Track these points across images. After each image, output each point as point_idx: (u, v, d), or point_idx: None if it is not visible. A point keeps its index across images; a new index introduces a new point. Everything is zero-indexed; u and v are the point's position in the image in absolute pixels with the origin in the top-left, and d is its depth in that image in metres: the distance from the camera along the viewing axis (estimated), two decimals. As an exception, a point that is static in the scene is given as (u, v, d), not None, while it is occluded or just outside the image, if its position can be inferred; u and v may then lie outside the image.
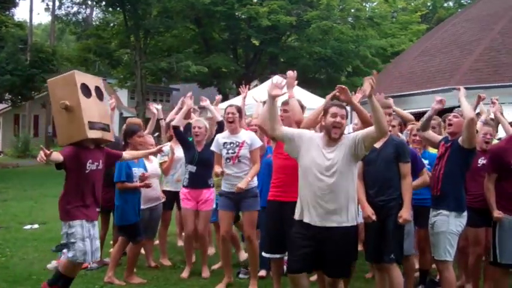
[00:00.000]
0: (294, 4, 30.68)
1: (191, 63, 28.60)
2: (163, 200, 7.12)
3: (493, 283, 5.68)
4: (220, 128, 6.65)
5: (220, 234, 6.28)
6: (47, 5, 38.81)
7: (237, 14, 31.17)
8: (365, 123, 5.04)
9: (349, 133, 5.14)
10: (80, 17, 35.55)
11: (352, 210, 4.57)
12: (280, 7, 29.39)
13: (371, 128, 4.47)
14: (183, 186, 6.75)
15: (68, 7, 34.24)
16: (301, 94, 11.99)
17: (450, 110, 5.77)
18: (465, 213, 5.26)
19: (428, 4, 43.18)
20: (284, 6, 29.71)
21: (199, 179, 6.59)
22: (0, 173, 22.59)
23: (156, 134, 8.00)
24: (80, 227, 5.22)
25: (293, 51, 32.64)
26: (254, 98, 7.23)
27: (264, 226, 5.90)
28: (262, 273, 6.58)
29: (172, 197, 7.42)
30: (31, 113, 37.07)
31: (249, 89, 7.96)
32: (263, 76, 31.18)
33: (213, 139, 6.46)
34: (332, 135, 4.53)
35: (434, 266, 5.93)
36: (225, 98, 29.55)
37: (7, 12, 28.92)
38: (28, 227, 10.08)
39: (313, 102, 10.98)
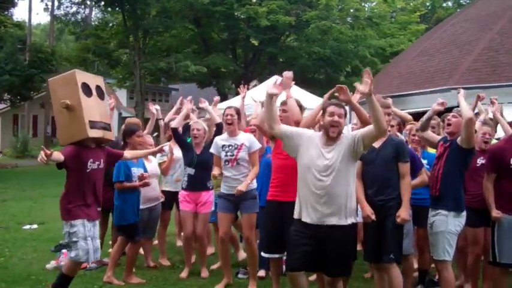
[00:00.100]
0: (293, 4, 30.69)
1: (190, 63, 28.60)
2: (162, 200, 7.12)
3: (492, 283, 5.69)
4: (219, 130, 6.64)
5: (219, 236, 6.27)
6: (46, 5, 38.78)
7: (236, 14, 31.18)
8: (364, 123, 5.04)
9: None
10: (79, 17, 35.60)
11: (352, 209, 4.57)
12: (279, 7, 29.39)
13: (370, 127, 4.48)
14: (182, 188, 6.75)
15: (66, 7, 34.32)
16: (300, 94, 12.02)
17: (449, 110, 5.78)
18: (464, 213, 5.27)
19: (427, 4, 43.19)
20: (283, 6, 29.71)
21: (198, 182, 6.58)
22: (-1, 173, 22.60)
23: (155, 134, 8.01)
24: (82, 226, 5.22)
25: (292, 51, 32.65)
26: (253, 98, 7.23)
27: (263, 226, 5.90)
28: (262, 273, 6.58)
29: (171, 197, 7.41)
30: (30, 113, 37.05)
31: (247, 89, 7.97)
32: (262, 76, 31.20)
33: (211, 141, 6.46)
34: (330, 134, 4.53)
35: (433, 265, 5.93)
36: (224, 98, 29.54)
37: (6, 12, 28.91)
38: (27, 227, 10.07)
39: (312, 102, 10.96)
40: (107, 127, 5.47)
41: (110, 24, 34.31)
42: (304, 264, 4.61)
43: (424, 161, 6.04)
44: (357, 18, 31.92)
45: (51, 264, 7.06)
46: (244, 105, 7.45)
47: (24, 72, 25.21)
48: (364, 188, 5.14)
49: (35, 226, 10.16)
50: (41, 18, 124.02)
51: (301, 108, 5.72)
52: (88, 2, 34.56)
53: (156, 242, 7.67)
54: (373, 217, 4.91)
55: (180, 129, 6.93)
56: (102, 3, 31.48)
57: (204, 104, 7.00)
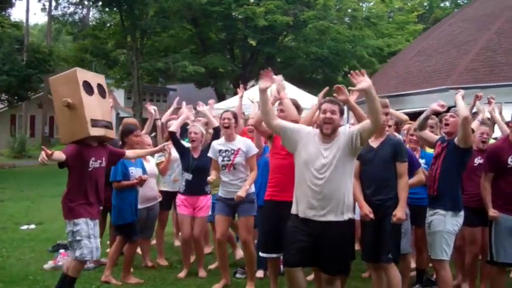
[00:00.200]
0: (291, 4, 30.68)
1: (188, 64, 28.56)
2: (160, 199, 7.12)
3: (489, 282, 5.70)
4: (216, 134, 6.63)
5: (216, 238, 6.26)
6: (44, 5, 38.76)
7: (233, 14, 31.18)
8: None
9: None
10: (77, 17, 35.51)
11: (349, 205, 4.58)
12: (276, 7, 29.39)
13: (367, 121, 4.48)
14: (180, 192, 6.75)
15: (64, 7, 34.25)
16: (298, 94, 12.02)
17: (447, 110, 5.78)
18: (462, 213, 5.27)
19: (425, 4, 43.21)
20: (281, 6, 29.71)
21: (195, 187, 6.58)
22: (-3, 173, 22.56)
23: (153, 134, 8.01)
24: (85, 225, 5.23)
25: (290, 51, 32.64)
26: (250, 99, 7.23)
27: (261, 226, 5.91)
28: (260, 274, 6.58)
29: (169, 197, 7.41)
30: (27, 113, 37.08)
31: (245, 89, 7.97)
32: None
33: (209, 145, 6.45)
34: (324, 131, 4.54)
35: (431, 265, 5.94)
36: (222, 98, 29.57)
37: (3, 13, 28.92)
38: (25, 227, 10.06)
39: (310, 102, 10.97)
40: (108, 125, 5.46)
41: (108, 25, 34.26)
42: (302, 260, 4.61)
43: (422, 161, 6.05)
44: (354, 18, 31.92)
45: (49, 264, 7.06)
46: (242, 105, 7.45)
47: (21, 73, 25.20)
48: (362, 187, 5.14)
49: (32, 226, 10.15)
50: (39, 18, 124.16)
51: (299, 108, 5.72)
52: (86, 2, 34.50)
53: (153, 241, 7.67)
54: (372, 216, 4.90)
55: (178, 133, 6.93)
56: (100, 3, 31.42)
57: (202, 108, 7.00)
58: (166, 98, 46.87)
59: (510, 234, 5.29)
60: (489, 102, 6.51)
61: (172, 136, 6.72)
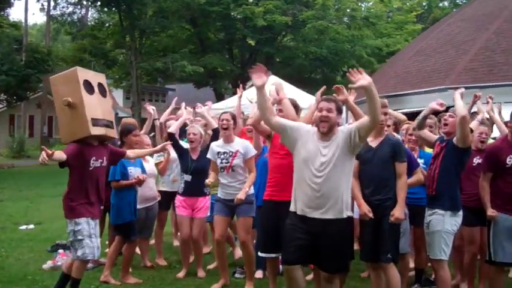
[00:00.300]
0: (290, 4, 30.71)
1: (187, 63, 28.58)
2: (158, 199, 7.12)
3: (488, 281, 5.70)
4: (215, 135, 6.62)
5: (215, 238, 6.26)
6: (42, 5, 38.75)
7: (232, 14, 31.21)
8: None
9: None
10: (75, 17, 35.60)
11: (347, 203, 4.58)
12: (275, 7, 29.42)
13: (365, 118, 4.46)
14: (178, 193, 6.75)
15: (63, 7, 34.33)
16: (297, 94, 12.02)
17: (446, 109, 5.78)
18: (460, 213, 5.28)
19: (424, 4, 43.27)
20: (279, 6, 29.73)
21: (194, 188, 6.57)
22: (-4, 173, 22.55)
23: (152, 134, 8.01)
24: (86, 224, 5.23)
25: (289, 51, 32.67)
26: (248, 99, 7.24)
27: (260, 226, 5.91)
28: (259, 274, 6.58)
29: (168, 197, 7.42)
30: (26, 113, 37.05)
31: (244, 88, 7.98)
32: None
33: (208, 146, 6.46)
34: (320, 129, 4.54)
35: (429, 264, 5.94)
36: (221, 98, 29.59)
37: (2, 13, 28.86)
38: (23, 227, 10.05)
39: (309, 102, 10.99)
40: (109, 124, 5.45)
41: (107, 25, 34.29)
42: (300, 258, 4.60)
43: (421, 161, 6.05)
44: (353, 18, 31.96)
45: (48, 264, 7.05)
46: (240, 104, 7.46)
47: (20, 73, 25.17)
48: (361, 187, 5.14)
49: (31, 226, 10.14)
50: (37, 18, 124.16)
51: (297, 108, 5.72)
52: (84, 2, 34.55)
53: (152, 241, 7.67)
54: (371, 215, 4.90)
55: (177, 134, 6.93)
56: (99, 3, 31.43)
57: (200, 110, 7.00)
58: (165, 98, 46.90)
59: (508, 234, 5.29)
60: (487, 102, 6.51)
61: (171, 137, 6.71)
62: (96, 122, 5.22)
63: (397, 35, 34.66)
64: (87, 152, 5.24)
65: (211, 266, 7.06)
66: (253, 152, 6.14)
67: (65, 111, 5.23)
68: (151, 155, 7.00)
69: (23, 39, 29.36)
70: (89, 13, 38.26)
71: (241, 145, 6.14)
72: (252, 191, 6.14)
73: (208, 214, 6.71)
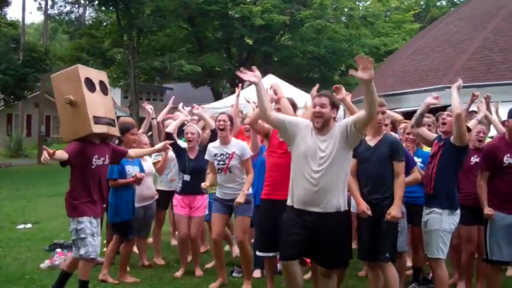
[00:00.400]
0: (288, 3, 30.73)
1: (184, 63, 28.59)
2: (156, 197, 7.12)
3: (485, 280, 5.71)
4: (214, 135, 6.62)
5: (212, 237, 6.27)
6: (40, 4, 38.61)
7: (230, 13, 31.21)
8: None
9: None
10: (73, 16, 35.54)
11: (345, 199, 4.60)
12: (273, 6, 29.43)
13: (361, 112, 4.47)
14: (176, 192, 6.75)
15: (60, 6, 34.24)
16: (295, 93, 12.02)
17: (443, 108, 5.79)
18: (458, 211, 5.28)
19: (421, 3, 43.28)
20: (277, 5, 29.75)
21: (192, 187, 6.56)
22: (-7, 172, 22.52)
23: (150, 133, 8.01)
24: (89, 223, 5.22)
25: (287, 50, 32.68)
26: (246, 99, 7.23)
27: (257, 225, 5.91)
28: (257, 274, 6.58)
29: (166, 197, 7.42)
30: (24, 112, 37.01)
31: (242, 88, 7.98)
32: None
33: (206, 145, 6.46)
34: (315, 124, 4.56)
35: (427, 263, 5.95)
36: (219, 97, 29.58)
37: (-1, 12, 28.80)
38: (21, 226, 10.04)
39: (308, 102, 11.00)
40: (111, 122, 5.43)
41: (104, 24, 34.28)
42: (298, 253, 4.62)
43: (419, 160, 6.05)
44: (351, 17, 31.99)
45: (45, 263, 7.04)
46: (238, 103, 7.46)
47: (18, 72, 25.08)
48: (359, 186, 5.14)
49: (29, 225, 10.13)
50: (35, 17, 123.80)
51: (295, 107, 5.74)
52: (82, 1, 34.53)
53: (150, 240, 7.66)
54: (369, 212, 4.90)
55: (175, 134, 6.93)
56: (96, 2, 31.45)
57: (198, 111, 7.00)
58: (162, 97, 46.87)
59: (505, 233, 5.30)
60: (481, 102, 6.52)
61: (169, 137, 6.72)
62: (98, 120, 5.21)
63: (395, 34, 34.69)
64: (89, 150, 5.23)
65: (209, 265, 7.06)
66: (249, 153, 6.14)
67: (67, 109, 5.21)
68: (150, 155, 7.00)
69: (20, 38, 29.25)
70: (87, 12, 38.21)
71: (238, 147, 6.14)
72: (250, 190, 6.15)
73: (207, 212, 6.71)
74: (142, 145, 6.91)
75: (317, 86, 5.58)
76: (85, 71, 5.32)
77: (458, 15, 19.02)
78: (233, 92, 8.28)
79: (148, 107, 7.86)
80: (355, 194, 5.08)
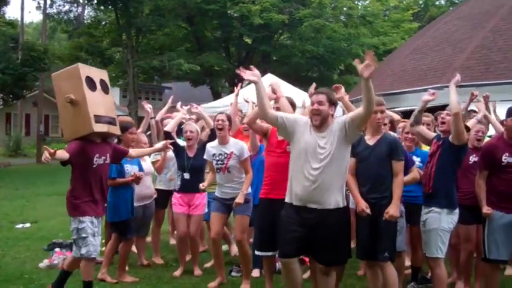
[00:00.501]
0: (286, 2, 30.72)
1: (183, 62, 28.59)
2: (155, 196, 7.11)
3: (483, 279, 5.71)
4: (213, 134, 6.62)
5: (211, 236, 6.26)
6: (38, 3, 38.53)
7: (229, 12, 31.20)
8: None
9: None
10: (72, 15, 35.52)
11: (343, 194, 4.63)
12: (272, 5, 29.43)
13: (360, 108, 4.51)
14: (175, 191, 6.75)
15: (59, 5, 34.26)
16: (294, 92, 12.02)
17: (442, 107, 5.78)
18: (457, 211, 5.28)
19: (420, 2, 43.33)
20: (276, 5, 29.74)
21: (191, 185, 6.56)
22: (-8, 172, 22.51)
23: (148, 132, 8.00)
24: (90, 223, 5.21)
25: (285, 50, 32.68)
26: (244, 98, 7.24)
27: (256, 224, 5.92)
28: (256, 273, 6.57)
29: (165, 196, 7.42)
30: (23, 111, 36.99)
31: (241, 87, 7.97)
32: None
33: (204, 144, 6.47)
34: (313, 122, 4.59)
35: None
36: (218, 96, 29.58)
37: (-2, 11, 28.80)
38: (20, 226, 10.03)
39: (306, 101, 10.99)
40: (112, 121, 5.42)
41: (103, 23, 34.24)
42: (296, 250, 4.64)
43: (418, 159, 6.05)
44: (350, 17, 32.00)
45: (44, 263, 7.04)
46: (237, 102, 7.46)
47: (16, 71, 25.05)
48: (358, 185, 5.14)
49: (27, 225, 10.12)
50: (34, 16, 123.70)
51: (294, 106, 5.75)
52: (80, 0, 34.52)
53: (148, 239, 7.65)
54: (368, 211, 4.90)
55: (174, 132, 6.93)
56: (95, 1, 31.38)
57: (197, 110, 7.00)
58: (161, 96, 46.81)
59: (503, 232, 5.30)
60: (484, 101, 6.52)
61: (167, 136, 6.72)
62: (99, 119, 5.19)
63: (394, 34, 34.70)
64: (90, 149, 5.22)
65: (207, 265, 7.06)
66: (247, 153, 6.14)
67: (67, 108, 5.20)
68: (149, 154, 6.99)
69: (19, 37, 29.22)
70: (85, 11, 38.13)
71: (236, 146, 6.14)
72: (249, 190, 6.15)
73: (206, 210, 6.71)
74: (141, 144, 6.90)
75: (314, 85, 5.59)
76: (86, 70, 5.31)
77: (457, 15, 19.03)
78: (232, 91, 8.27)
79: (148, 106, 7.86)
80: (354, 193, 5.08)
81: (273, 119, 4.76)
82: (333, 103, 4.68)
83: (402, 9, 38.53)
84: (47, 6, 33.17)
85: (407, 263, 6.28)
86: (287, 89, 11.43)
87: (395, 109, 9.90)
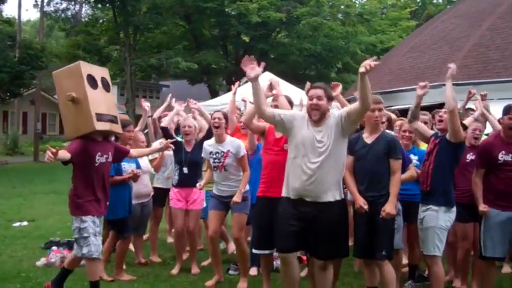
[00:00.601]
0: (284, 0, 30.73)
1: (181, 60, 28.58)
2: (152, 194, 7.10)
3: (479, 277, 5.72)
4: (210, 132, 6.61)
5: (209, 235, 6.26)
6: (36, 1, 38.79)
7: (227, 10, 31.20)
8: None
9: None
10: (69, 13, 35.47)
11: (340, 188, 4.65)
12: (270, 3, 29.45)
13: (355, 104, 4.53)
14: (173, 185, 6.74)
15: (56, 3, 34.19)
16: (291, 90, 12.02)
17: (440, 105, 5.78)
18: (454, 209, 5.29)
19: (418, 0, 43.38)
20: (274, 3, 29.76)
21: (189, 179, 6.58)
22: (-11, 170, 22.46)
23: (146, 131, 7.99)
24: (92, 222, 5.20)
25: (283, 48, 32.70)
26: (242, 98, 7.23)
27: (254, 222, 5.91)
28: (254, 271, 6.57)
29: (163, 194, 7.41)
30: (20, 110, 36.93)
31: (239, 85, 7.96)
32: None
33: (201, 140, 6.46)
34: (312, 117, 4.61)
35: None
36: (215, 95, 29.58)
37: (-5, 9, 28.75)
38: (17, 224, 10.01)
39: (303, 98, 10.99)
40: (114, 119, 5.39)
41: (100, 21, 34.21)
42: (294, 245, 4.65)
43: (415, 157, 6.05)
44: (347, 15, 32.04)
45: (41, 261, 7.03)
46: (235, 100, 7.45)
47: (14, 69, 25.00)
48: (356, 184, 5.14)
49: (25, 223, 10.10)
50: (31, 14, 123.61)
51: (292, 104, 5.76)
52: (78, -1, 34.44)
53: (145, 236, 7.63)
54: (366, 207, 4.90)
55: (172, 127, 6.92)
56: (92, -1, 31.38)
57: (196, 106, 6.98)
58: (159, 94, 46.75)
59: (499, 229, 5.30)
60: (481, 99, 6.52)
61: (164, 131, 6.71)
62: (100, 117, 5.16)
63: (391, 32, 34.76)
64: (92, 147, 5.20)
65: (205, 263, 7.06)
66: (243, 151, 6.14)
67: (69, 106, 5.17)
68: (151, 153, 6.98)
69: (16, 35, 29.16)
70: (83, 9, 38.09)
71: (232, 145, 6.13)
72: (247, 188, 6.15)
73: (204, 205, 6.70)
74: (139, 143, 6.89)
75: (308, 84, 5.60)
76: (87, 68, 5.28)
77: (455, 13, 19.05)
78: (229, 90, 8.26)
79: (146, 105, 7.85)
80: (352, 190, 5.08)
81: (270, 116, 4.77)
82: (330, 98, 4.72)
83: (400, 7, 38.61)
84: (45, 4, 33.12)
85: (405, 261, 6.29)
86: (285, 87, 11.44)
87: (393, 107, 9.92)
